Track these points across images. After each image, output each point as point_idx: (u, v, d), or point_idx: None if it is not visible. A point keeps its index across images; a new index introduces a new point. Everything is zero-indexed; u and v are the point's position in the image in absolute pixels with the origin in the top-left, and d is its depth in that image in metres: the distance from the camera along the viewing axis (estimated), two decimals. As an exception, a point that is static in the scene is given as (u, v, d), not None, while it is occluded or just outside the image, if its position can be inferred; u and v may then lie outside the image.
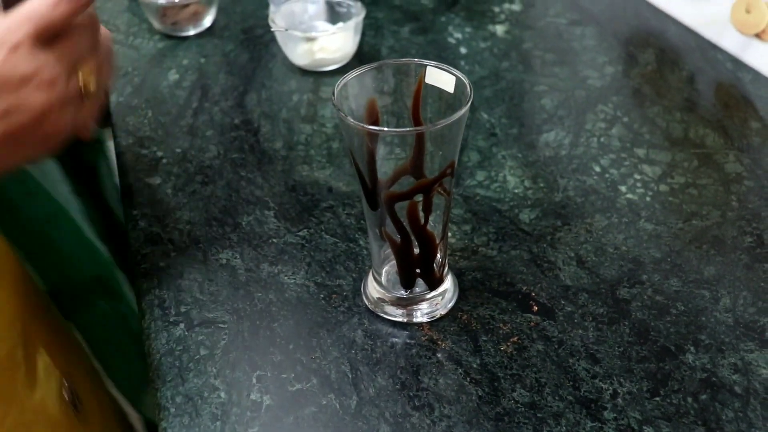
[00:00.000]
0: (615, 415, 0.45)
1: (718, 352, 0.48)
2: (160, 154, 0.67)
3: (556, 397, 0.46)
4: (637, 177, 0.61)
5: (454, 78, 0.46)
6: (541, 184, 0.61)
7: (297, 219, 0.59)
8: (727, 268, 0.53)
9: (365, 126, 0.43)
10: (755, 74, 0.71)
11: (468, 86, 0.44)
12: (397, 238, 0.48)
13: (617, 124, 0.67)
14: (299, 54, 0.75)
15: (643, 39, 0.78)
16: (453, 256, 0.55)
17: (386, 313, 0.51)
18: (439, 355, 0.49)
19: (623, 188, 0.60)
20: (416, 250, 0.49)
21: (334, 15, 0.77)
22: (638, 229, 0.57)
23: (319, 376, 0.48)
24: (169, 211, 0.61)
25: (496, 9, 0.84)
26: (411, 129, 0.45)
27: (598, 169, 0.62)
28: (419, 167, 0.46)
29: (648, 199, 0.59)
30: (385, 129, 0.43)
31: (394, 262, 0.51)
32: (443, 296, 0.51)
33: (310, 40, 0.74)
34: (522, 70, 0.74)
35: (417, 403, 0.46)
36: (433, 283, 0.51)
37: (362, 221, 0.59)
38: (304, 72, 0.76)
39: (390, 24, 0.82)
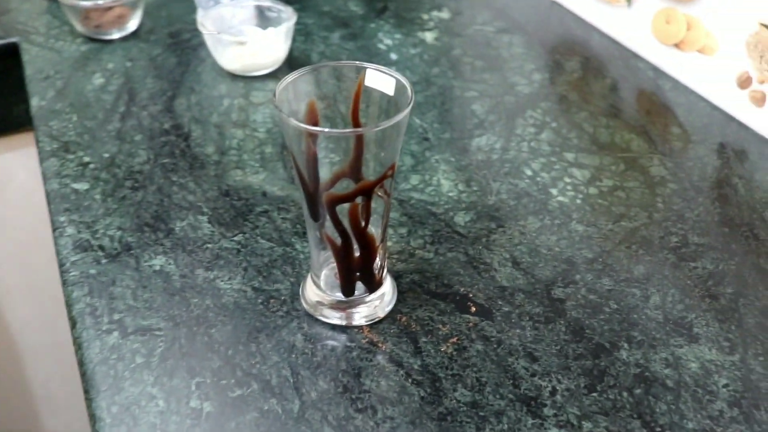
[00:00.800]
0: (555, 411, 0.46)
1: (650, 348, 0.49)
2: (87, 159, 0.65)
3: (497, 396, 0.47)
4: (567, 180, 0.63)
5: (393, 80, 0.46)
6: (475, 188, 0.62)
7: (231, 224, 0.58)
8: (655, 267, 0.55)
9: (309, 127, 0.43)
10: (675, 82, 0.74)
11: (409, 89, 0.45)
12: (338, 240, 0.48)
13: (546, 129, 0.68)
14: (229, 58, 0.74)
15: (568, 48, 0.80)
16: (390, 259, 0.55)
17: (325, 317, 0.51)
18: (379, 357, 0.49)
19: (554, 191, 0.61)
20: (356, 253, 0.49)
21: (264, 20, 0.77)
22: (570, 230, 0.58)
23: (260, 381, 0.47)
24: (98, 217, 0.59)
25: (425, 16, 0.85)
26: (354, 130, 0.45)
27: (529, 172, 0.63)
28: (357, 170, 0.46)
29: (578, 201, 0.60)
30: (327, 129, 0.43)
31: (333, 265, 0.51)
32: (382, 299, 0.52)
33: (241, 44, 0.73)
34: (452, 77, 0.75)
35: (360, 406, 0.46)
36: (373, 286, 0.51)
37: (298, 225, 0.58)
38: (234, 77, 0.75)
39: (320, 30, 0.82)
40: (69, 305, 0.52)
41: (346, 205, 0.47)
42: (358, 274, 0.50)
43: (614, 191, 0.61)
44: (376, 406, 0.46)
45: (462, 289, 0.53)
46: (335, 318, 0.51)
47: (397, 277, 0.54)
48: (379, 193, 0.47)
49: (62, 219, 0.59)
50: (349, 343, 0.50)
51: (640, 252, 0.56)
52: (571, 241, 0.57)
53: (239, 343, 0.50)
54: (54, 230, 0.58)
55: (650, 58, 0.76)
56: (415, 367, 0.48)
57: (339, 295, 0.51)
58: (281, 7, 0.76)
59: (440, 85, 0.74)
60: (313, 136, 0.44)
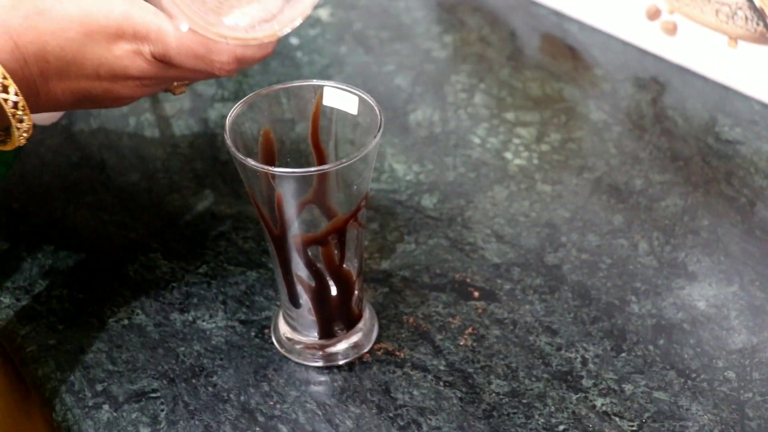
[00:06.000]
0: (593, 381, 0.45)
1: (657, 296, 0.50)
2: (-4, 214, 0.57)
3: (533, 378, 0.45)
4: (517, 141, 0.62)
5: (356, 98, 0.43)
6: (430, 167, 0.60)
7: (189, 255, 0.53)
8: (630, 213, 0.55)
9: (269, 168, 0.39)
10: (580, 24, 0.74)
11: (377, 111, 0.42)
12: (312, 282, 0.44)
13: (477, 92, 0.67)
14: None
15: (465, 4, 0.78)
16: (373, 258, 0.52)
17: (305, 360, 0.47)
18: (402, 366, 0.46)
19: (508, 155, 0.60)
20: (333, 292, 0.45)
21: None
22: (539, 192, 0.57)
23: (287, 422, 0.43)
24: (34, 278, 0.52)
25: (311, -7, 0.81)
26: (315, 169, 0.41)
27: (477, 140, 0.62)
28: (323, 195, 0.43)
29: (536, 161, 0.60)
30: (288, 170, 0.40)
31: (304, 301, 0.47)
32: (362, 331, 0.48)
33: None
34: (363, 53, 0.72)
35: (401, 423, 0.43)
36: (351, 322, 0.47)
37: (263, 242, 0.54)
38: (130, 91, 0.68)
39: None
40: (39, 387, 0.46)
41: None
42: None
43: (565, 144, 0.61)
44: (418, 419, 0.44)
45: (457, 275, 0.51)
46: (312, 360, 0.47)
47: (386, 275, 0.51)
48: (353, 226, 0.43)
49: (-6, 289, 0.51)
50: (366, 359, 0.47)
51: (612, 201, 0.56)
52: (544, 204, 0.56)
53: (249, 386, 0.45)
54: (-12, 304, 0.51)
55: (549, 2, 0.76)
56: (441, 368, 0.46)
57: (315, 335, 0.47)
58: None
59: (354, 64, 0.71)
60: (274, 177, 0.40)
